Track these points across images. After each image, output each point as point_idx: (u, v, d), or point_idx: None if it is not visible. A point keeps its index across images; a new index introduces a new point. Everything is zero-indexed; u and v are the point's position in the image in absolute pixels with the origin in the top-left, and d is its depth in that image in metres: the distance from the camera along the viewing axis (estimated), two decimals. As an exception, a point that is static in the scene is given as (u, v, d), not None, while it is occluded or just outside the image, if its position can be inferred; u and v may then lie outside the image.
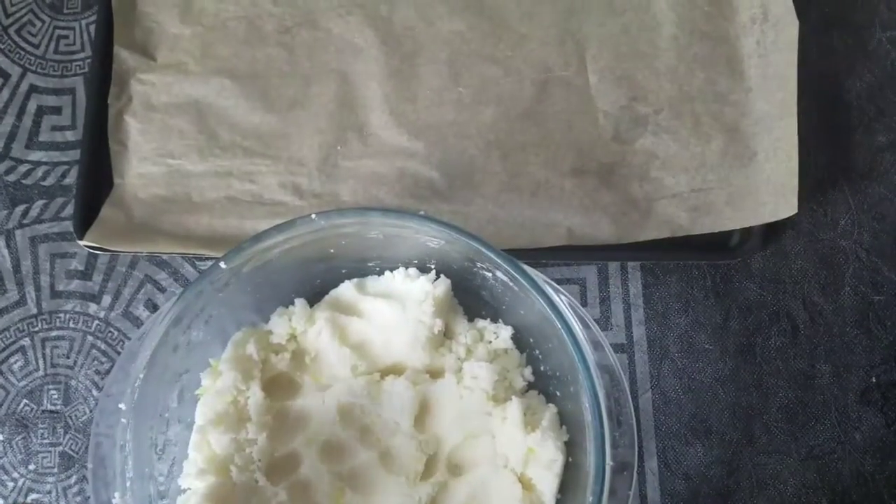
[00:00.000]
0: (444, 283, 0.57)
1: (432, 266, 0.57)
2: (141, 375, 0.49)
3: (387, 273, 0.58)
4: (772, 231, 0.62)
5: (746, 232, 0.61)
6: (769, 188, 0.60)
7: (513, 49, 0.65)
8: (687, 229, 0.61)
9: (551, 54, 0.65)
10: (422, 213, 0.49)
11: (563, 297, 0.49)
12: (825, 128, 0.65)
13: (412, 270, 0.58)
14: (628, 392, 0.49)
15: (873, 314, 0.62)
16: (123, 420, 0.48)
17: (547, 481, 0.52)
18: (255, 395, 0.54)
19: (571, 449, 0.53)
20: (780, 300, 0.62)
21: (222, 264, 0.49)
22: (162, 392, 0.53)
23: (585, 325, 0.50)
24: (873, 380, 0.61)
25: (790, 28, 0.59)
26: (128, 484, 0.48)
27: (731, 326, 0.62)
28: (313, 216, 0.49)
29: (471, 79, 0.65)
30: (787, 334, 0.62)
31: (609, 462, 0.45)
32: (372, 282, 0.59)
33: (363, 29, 0.66)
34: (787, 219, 0.60)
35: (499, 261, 0.48)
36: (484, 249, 0.48)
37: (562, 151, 0.63)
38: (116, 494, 0.48)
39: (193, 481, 0.52)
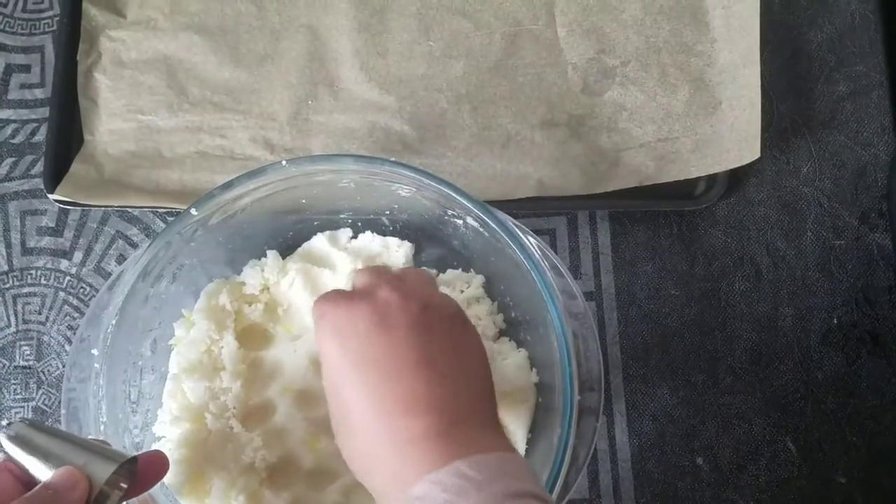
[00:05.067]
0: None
1: (405, 216, 0.58)
2: (113, 322, 0.49)
3: (360, 236, 0.59)
4: (736, 179, 0.63)
5: (711, 179, 0.62)
6: (733, 135, 0.61)
7: (482, 3, 0.66)
8: (654, 178, 0.62)
9: (520, 8, 0.65)
10: (392, 159, 0.50)
11: (532, 240, 0.50)
12: (788, 78, 0.66)
13: (392, 240, 0.59)
14: (595, 329, 0.50)
15: (834, 258, 0.63)
16: (96, 365, 0.48)
17: (518, 421, 0.53)
18: (228, 345, 0.55)
19: (542, 391, 0.55)
20: (744, 246, 0.64)
21: (193, 210, 0.49)
22: (134, 340, 0.53)
23: (558, 273, 0.51)
24: (835, 321, 0.62)
25: (753, -22, 0.60)
26: (101, 428, 0.48)
27: (696, 272, 0.63)
28: (284, 163, 0.49)
29: (441, 32, 0.65)
30: (751, 279, 0.63)
31: (577, 396, 0.46)
32: (344, 235, 0.60)
33: (333, -17, 0.66)
34: (751, 166, 0.62)
35: (469, 204, 0.49)
36: (454, 194, 0.48)
37: (532, 104, 0.64)
38: (90, 437, 0.48)
39: (168, 428, 0.53)
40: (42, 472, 0.39)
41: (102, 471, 0.39)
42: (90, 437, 0.47)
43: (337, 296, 0.43)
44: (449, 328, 0.42)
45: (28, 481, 0.39)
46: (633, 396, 0.61)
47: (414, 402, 0.39)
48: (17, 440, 0.39)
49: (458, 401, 0.39)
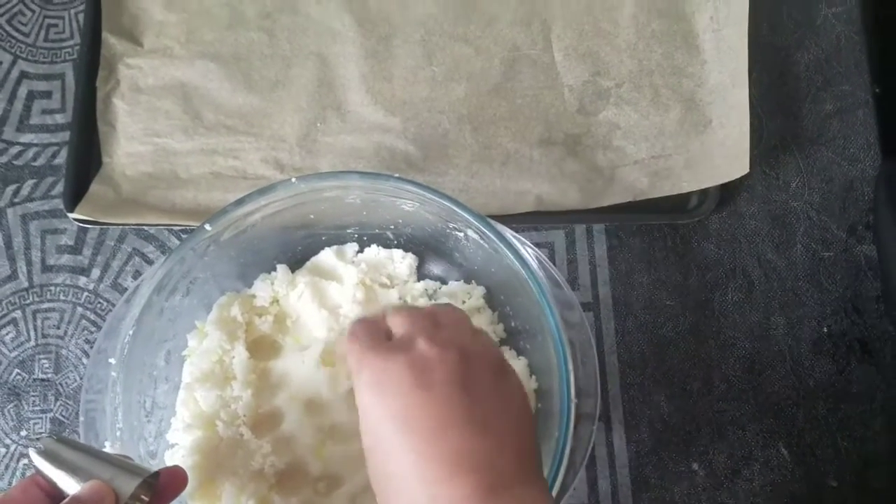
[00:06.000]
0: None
1: (409, 230, 0.60)
2: (130, 333, 0.50)
3: (366, 250, 0.61)
4: (727, 193, 0.66)
5: (703, 194, 0.64)
6: (723, 152, 0.63)
7: (483, 30, 0.69)
8: (648, 193, 0.64)
9: (519, 34, 0.68)
10: (396, 175, 0.52)
11: (530, 252, 0.52)
12: (776, 97, 0.68)
13: (397, 253, 0.61)
14: (592, 338, 0.52)
15: (823, 269, 0.65)
16: (114, 374, 0.50)
17: (518, 426, 0.55)
18: (239, 355, 0.56)
19: (541, 397, 0.56)
20: (736, 258, 0.66)
21: (207, 226, 0.51)
22: (150, 351, 0.54)
23: (556, 284, 0.53)
24: (825, 330, 0.64)
25: (741, 3, 0.63)
26: (118, 434, 0.50)
27: (690, 284, 0.65)
28: (293, 179, 0.51)
29: (443, 58, 0.68)
30: (743, 290, 0.65)
31: (574, 400, 0.47)
32: (350, 249, 0.62)
33: (341, 13, 0.69)
34: (742, 182, 0.64)
35: (469, 217, 0.50)
36: (456, 208, 0.50)
37: (530, 124, 0.67)
38: (107, 443, 0.50)
39: (181, 436, 0.54)
40: (70, 485, 0.40)
41: (127, 485, 0.41)
42: (107, 446, 0.49)
43: (373, 340, 0.42)
44: (491, 379, 0.41)
45: (56, 495, 0.40)
46: (631, 404, 0.63)
47: (457, 464, 0.38)
48: (46, 455, 0.41)
49: (502, 457, 0.39)
